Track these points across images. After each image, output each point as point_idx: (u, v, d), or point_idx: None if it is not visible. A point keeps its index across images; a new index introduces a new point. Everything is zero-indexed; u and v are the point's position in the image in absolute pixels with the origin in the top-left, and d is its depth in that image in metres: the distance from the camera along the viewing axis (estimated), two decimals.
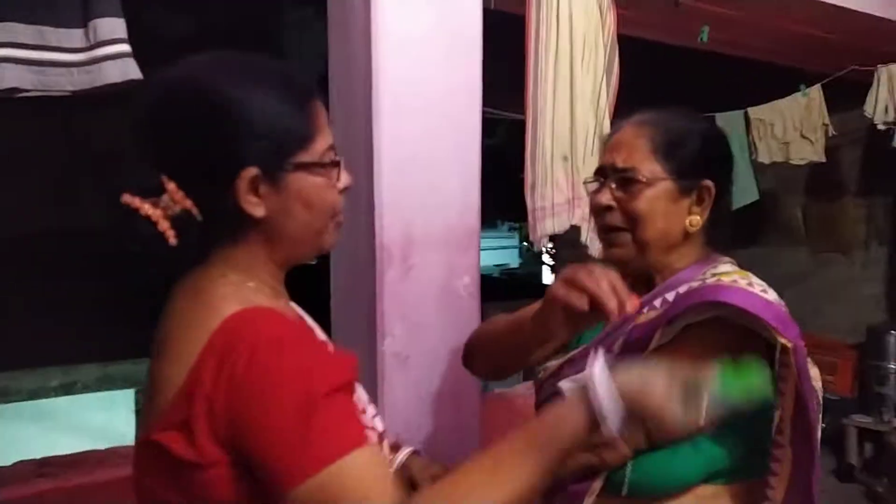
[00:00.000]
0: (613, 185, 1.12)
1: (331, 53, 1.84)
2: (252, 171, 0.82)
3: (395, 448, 1.16)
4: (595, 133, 2.02)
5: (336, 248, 1.86)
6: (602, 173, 1.15)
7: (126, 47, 1.59)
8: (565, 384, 0.89)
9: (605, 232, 1.16)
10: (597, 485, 1.09)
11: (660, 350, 1.05)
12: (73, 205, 4.32)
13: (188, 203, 0.82)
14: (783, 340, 0.98)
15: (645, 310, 1.11)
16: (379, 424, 0.96)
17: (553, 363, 1.19)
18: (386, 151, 1.68)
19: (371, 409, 0.96)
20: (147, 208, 0.81)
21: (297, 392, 0.76)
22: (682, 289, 1.10)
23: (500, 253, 9.98)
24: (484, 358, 1.29)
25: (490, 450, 0.85)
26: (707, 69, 3.20)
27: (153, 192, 0.82)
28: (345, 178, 0.92)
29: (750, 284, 1.04)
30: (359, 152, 1.76)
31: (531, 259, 5.14)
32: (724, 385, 0.87)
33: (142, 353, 1.05)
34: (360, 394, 0.94)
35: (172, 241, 0.82)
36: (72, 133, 4.39)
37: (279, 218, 0.86)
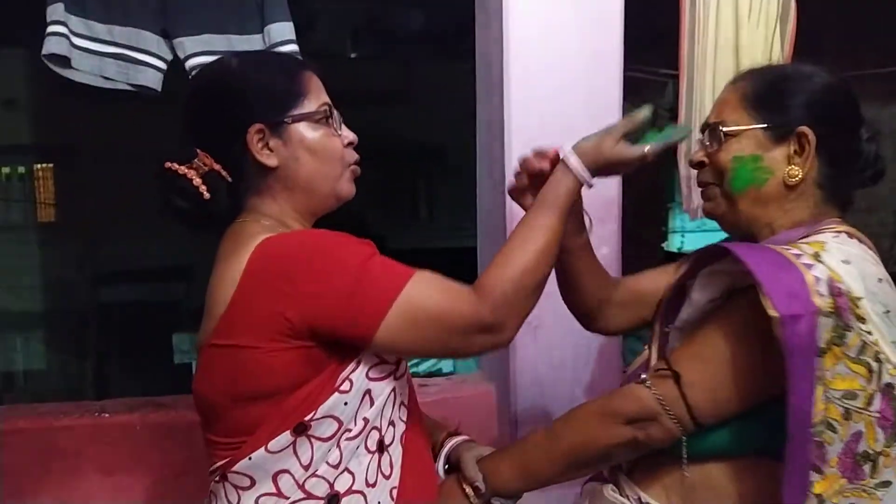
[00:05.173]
0: (707, 142, 1.11)
1: (477, 27, 1.92)
2: (257, 126, 1.00)
3: (454, 433, 1.25)
4: None
5: (480, 219, 1.95)
6: (703, 131, 1.14)
7: (295, 46, 1.84)
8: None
9: (700, 188, 1.14)
10: None
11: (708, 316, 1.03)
12: None
13: (216, 165, 1.02)
14: (770, 310, 0.87)
15: None
16: None
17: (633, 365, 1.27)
18: (516, 120, 1.72)
19: None
20: (184, 169, 1.01)
21: (341, 266, 0.92)
22: None
23: None
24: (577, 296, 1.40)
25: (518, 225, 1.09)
26: None
27: (189, 160, 1.02)
28: (347, 134, 1.08)
29: (798, 255, 0.92)
30: (492, 122, 1.82)
31: None
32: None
33: None
34: None
35: (206, 194, 1.01)
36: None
37: (291, 165, 1.03)
